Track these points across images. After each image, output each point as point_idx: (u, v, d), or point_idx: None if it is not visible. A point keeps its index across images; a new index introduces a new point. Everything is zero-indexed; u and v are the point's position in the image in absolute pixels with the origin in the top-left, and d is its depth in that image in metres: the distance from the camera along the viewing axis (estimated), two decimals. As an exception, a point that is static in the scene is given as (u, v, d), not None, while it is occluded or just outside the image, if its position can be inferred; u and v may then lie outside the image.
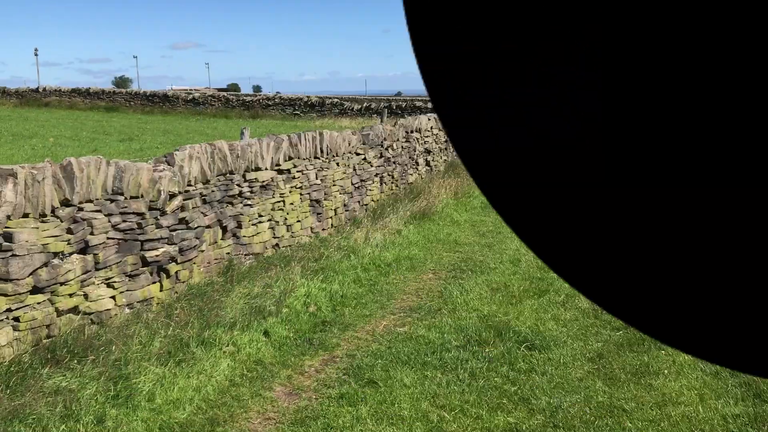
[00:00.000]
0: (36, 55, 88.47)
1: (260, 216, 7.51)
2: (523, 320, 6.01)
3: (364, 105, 39.52)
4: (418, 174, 13.24)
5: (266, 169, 7.58)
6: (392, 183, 11.71)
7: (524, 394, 4.57)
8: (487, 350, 5.29)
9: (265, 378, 4.89)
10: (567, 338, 5.61)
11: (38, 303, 4.62)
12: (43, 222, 4.62)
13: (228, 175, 6.91)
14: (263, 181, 7.52)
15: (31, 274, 4.51)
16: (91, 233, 5.03)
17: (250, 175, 7.29)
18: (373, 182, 10.77)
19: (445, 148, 15.39)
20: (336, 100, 41.82)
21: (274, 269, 7.09)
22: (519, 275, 7.47)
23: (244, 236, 7.23)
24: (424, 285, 7.26)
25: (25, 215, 4.49)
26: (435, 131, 14.46)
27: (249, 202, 7.27)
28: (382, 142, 11.14)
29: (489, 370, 4.95)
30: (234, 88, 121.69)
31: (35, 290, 4.58)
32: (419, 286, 7.24)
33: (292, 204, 8.16)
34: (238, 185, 7.10)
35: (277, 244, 7.90)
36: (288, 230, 8.12)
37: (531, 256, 8.22)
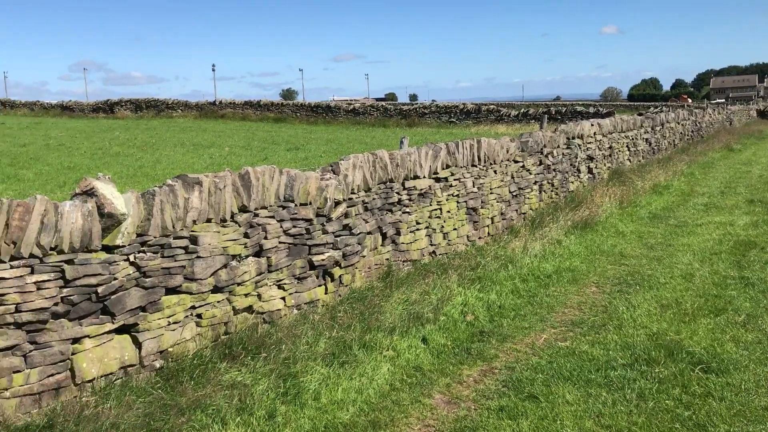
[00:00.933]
0: (213, 70, 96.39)
1: (418, 223, 7.59)
2: (698, 340, 5.57)
3: (521, 111, 38.81)
4: (580, 182, 12.76)
5: (424, 177, 7.66)
6: (552, 191, 11.38)
7: (700, 420, 4.24)
8: (656, 370, 4.96)
9: (424, 385, 4.93)
10: (749, 362, 5.12)
11: (218, 302, 4.99)
12: (223, 226, 4.99)
13: (388, 183, 7.06)
14: (421, 189, 7.60)
15: (212, 274, 4.88)
16: (265, 237, 5.36)
17: (409, 183, 7.40)
18: (532, 190, 10.53)
19: (609, 155, 14.71)
20: (492, 106, 41.47)
21: (431, 276, 7.14)
22: (692, 291, 6.95)
23: (403, 243, 7.35)
24: (586, 299, 6.97)
25: (208, 220, 4.87)
26: (598, 137, 13.87)
27: (407, 210, 7.39)
28: (541, 149, 10.87)
29: (659, 391, 4.64)
30: (391, 97, 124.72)
31: (215, 290, 4.95)
32: (581, 299, 6.96)
33: (448, 212, 8.18)
34: (397, 193, 7.23)
35: (433, 252, 7.95)
36: (444, 238, 8.15)
37: (706, 271, 7.64)
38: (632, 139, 16.72)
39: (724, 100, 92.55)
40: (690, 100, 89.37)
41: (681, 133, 23.13)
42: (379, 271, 6.94)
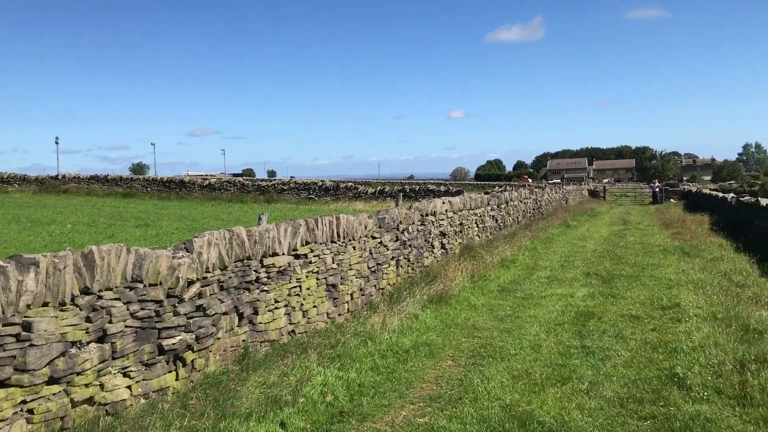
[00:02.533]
0: (57, 143, 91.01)
1: (276, 302, 7.45)
2: (547, 409, 5.81)
3: (378, 188, 39.97)
4: (434, 257, 13.21)
5: (283, 254, 7.59)
6: (408, 266, 11.67)
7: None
8: (511, 442, 5.10)
9: (282, 472, 4.72)
10: (593, 428, 5.41)
11: (53, 394, 4.55)
12: (62, 311, 4.61)
13: (245, 260, 6.92)
14: (280, 267, 7.51)
15: (48, 364, 4.46)
16: (110, 321, 5.00)
17: (267, 261, 7.29)
18: (390, 265, 10.74)
19: (460, 231, 15.41)
20: (350, 183, 42.36)
21: (290, 357, 6.99)
22: (540, 362, 7.29)
23: (261, 323, 7.16)
24: (443, 372, 7.09)
25: (45, 304, 4.48)
26: (450, 214, 14.52)
27: (266, 288, 7.24)
28: (398, 225, 11.18)
29: (514, 463, 4.75)
30: (249, 173, 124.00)
31: (51, 381, 4.52)
32: (438, 373, 7.07)
33: (308, 289, 8.12)
34: (255, 271, 7.09)
35: (293, 331, 7.81)
36: (304, 316, 8.04)
37: (552, 341, 8.07)
38: (480, 216, 17.67)
39: (559, 181, 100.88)
40: (530, 180, 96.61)
41: (524, 210, 24.78)
42: (235, 354, 6.68)
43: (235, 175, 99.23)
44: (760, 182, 72.77)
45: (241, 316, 6.84)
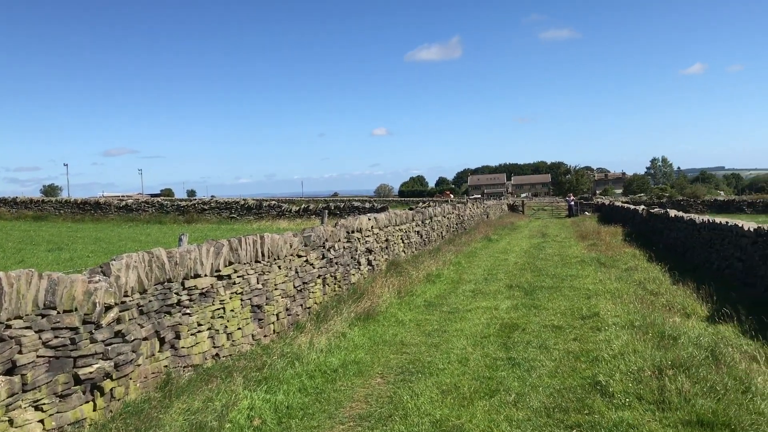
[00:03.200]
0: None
1: (199, 325, 7.23)
2: (476, 423, 5.85)
3: (302, 206, 39.69)
4: (361, 274, 13.17)
5: (206, 275, 7.38)
6: (335, 284, 11.58)
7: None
8: (442, 457, 5.09)
9: (209, 503, 4.54)
10: (522, 440, 5.47)
11: (-43, 433, 4.22)
12: (-34, 343, 4.29)
13: (166, 283, 6.68)
14: (203, 288, 7.30)
15: (-51, 400, 4.14)
16: (20, 352, 4.70)
17: (189, 283, 7.07)
18: (316, 284, 10.63)
19: (386, 247, 15.45)
20: (273, 202, 41.88)
21: (215, 381, 6.77)
22: (468, 375, 7.35)
23: (183, 347, 6.92)
24: (372, 390, 7.04)
25: (-54, 336, 4.16)
26: (375, 231, 14.54)
27: (188, 311, 7.01)
28: (323, 243, 11.10)
29: (446, 479, 4.74)
30: (168, 193, 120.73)
31: (-46, 419, 4.19)
32: (368, 391, 7.01)
33: (232, 311, 7.92)
34: (177, 294, 6.86)
35: (217, 354, 7.58)
36: (229, 338, 7.83)
37: (479, 354, 8.15)
38: (406, 231, 17.79)
39: (480, 196, 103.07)
40: (452, 196, 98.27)
41: (447, 225, 25.14)
42: (157, 380, 6.42)
43: (153, 195, 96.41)
44: (667, 194, 76.62)
45: (162, 341, 6.59)
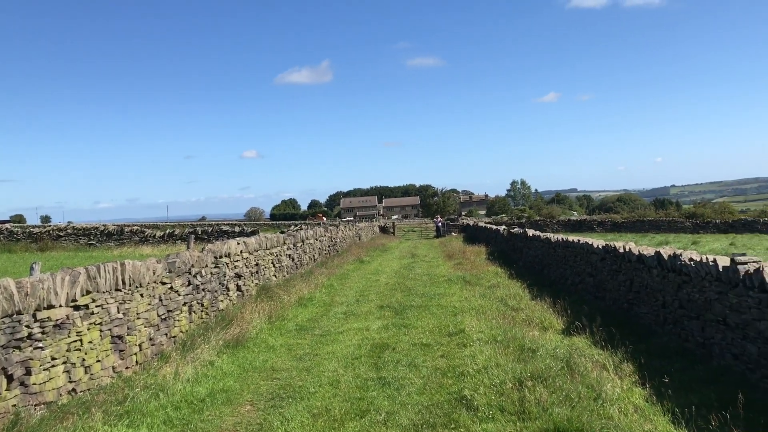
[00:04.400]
0: None
1: (53, 359, 6.76)
2: (348, 444, 5.88)
3: (167, 231, 38.23)
4: (230, 300, 12.86)
5: (61, 306, 6.93)
6: (202, 311, 11.23)
7: None
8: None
9: None
10: (392, 458, 5.56)
11: None
12: None
13: (15, 316, 6.21)
14: (57, 320, 6.84)
15: None
16: None
17: (42, 314, 6.61)
18: (182, 312, 10.26)
19: (256, 272, 15.21)
20: (136, 227, 40.04)
21: (71, 418, 6.35)
22: (339, 397, 7.38)
23: (35, 383, 6.43)
24: (242, 418, 6.88)
25: None
26: (245, 255, 14.29)
27: (40, 345, 6.54)
28: (189, 269, 10.75)
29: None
30: (19, 219, 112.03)
31: None
32: (237, 420, 6.84)
33: (90, 342, 7.47)
34: (27, 326, 6.39)
35: (74, 389, 7.11)
36: (86, 372, 7.37)
37: (350, 376, 8.20)
38: (277, 255, 17.61)
39: (353, 218, 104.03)
40: (325, 219, 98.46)
41: (320, 248, 25.16)
42: (4, 422, 5.92)
43: (1, 221, 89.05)
44: (526, 215, 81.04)
45: (10, 378, 6.10)
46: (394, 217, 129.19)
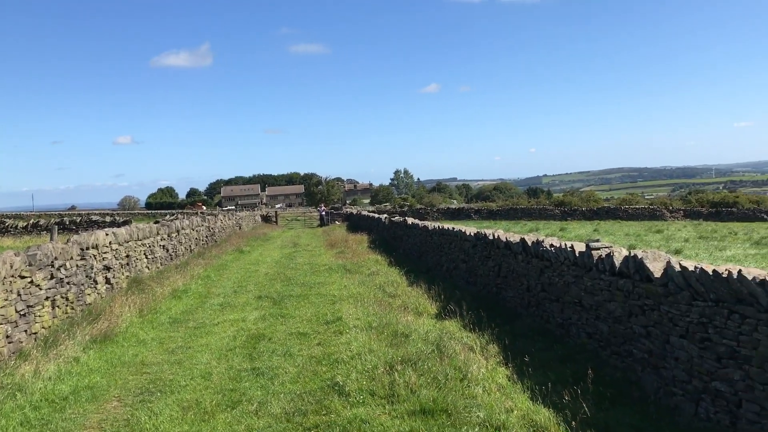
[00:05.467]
0: None
1: None
2: (218, 436, 5.83)
3: (31, 222, 35.84)
4: (98, 293, 12.29)
5: None
6: (67, 306, 10.66)
7: None
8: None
9: None
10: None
11: None
12: None
13: None
14: None
15: None
16: None
17: None
18: (44, 307, 9.69)
19: (127, 264, 14.61)
20: (-5, 217, 37.19)
21: None
22: (211, 389, 7.28)
23: None
24: (107, 415, 6.64)
25: None
26: (114, 246, 13.68)
27: None
28: (52, 261, 10.17)
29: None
30: None
31: None
32: (102, 417, 6.59)
33: (-64, 343, 6.92)
34: None
35: None
36: (-68, 375, 6.83)
37: (223, 368, 8.12)
38: (150, 246, 16.99)
39: (234, 207, 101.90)
40: (204, 207, 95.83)
41: (197, 238, 24.49)
42: None
43: None
44: (408, 204, 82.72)
45: None
46: (278, 205, 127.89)
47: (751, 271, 5.46)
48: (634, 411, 6.19)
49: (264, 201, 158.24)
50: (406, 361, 7.56)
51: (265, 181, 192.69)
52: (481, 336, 9.03)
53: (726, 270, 5.63)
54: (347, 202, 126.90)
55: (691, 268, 6.12)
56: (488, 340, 8.86)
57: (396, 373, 7.06)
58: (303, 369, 7.95)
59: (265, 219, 57.28)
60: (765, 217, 51.40)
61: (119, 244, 14.12)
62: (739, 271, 5.46)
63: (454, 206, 76.91)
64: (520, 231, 31.76)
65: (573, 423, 5.74)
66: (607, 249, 8.34)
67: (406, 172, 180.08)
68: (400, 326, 9.54)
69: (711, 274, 5.76)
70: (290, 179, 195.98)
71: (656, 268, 6.82)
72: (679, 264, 6.38)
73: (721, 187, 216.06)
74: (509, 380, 7.27)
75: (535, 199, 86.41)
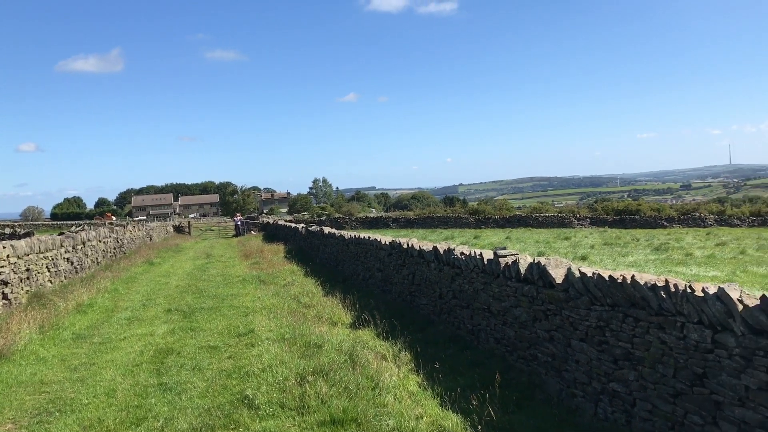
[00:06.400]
0: None
1: None
2: (121, 455, 5.62)
3: None
4: (-7, 310, 11.61)
5: None
6: (-42, 324, 10.03)
7: None
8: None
9: None
10: (169, 465, 5.42)
11: None
12: None
13: None
14: None
15: None
16: None
17: None
18: (-69, 326, 9.08)
19: (27, 278, 13.88)
20: None
21: None
22: (115, 407, 7.01)
23: None
24: (0, 439, 6.29)
25: None
26: (13, 260, 12.98)
27: None
28: (-60, 277, 9.55)
29: None
30: None
31: None
32: (-6, 441, 6.24)
33: None
34: None
35: None
36: None
37: (128, 384, 7.85)
38: (53, 259, 16.22)
39: (145, 218, 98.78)
40: (114, 218, 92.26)
41: (104, 250, 23.57)
42: None
43: None
44: (326, 213, 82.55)
45: None
46: (192, 215, 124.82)
47: (644, 276, 5.77)
48: (538, 413, 6.40)
49: (177, 211, 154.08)
50: (318, 371, 7.53)
51: (178, 190, 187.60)
52: (394, 344, 9.11)
53: (621, 275, 5.93)
54: (264, 211, 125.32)
55: (589, 274, 6.40)
56: (401, 348, 8.95)
57: (307, 385, 7.03)
58: (212, 383, 7.79)
59: (178, 229, 55.79)
60: (665, 224, 54.32)
61: (18, 258, 13.41)
62: (632, 276, 5.75)
63: (372, 215, 77.34)
64: (436, 239, 32.33)
65: (479, 427, 5.88)
66: (513, 256, 8.60)
67: (324, 180, 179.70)
68: (313, 337, 9.50)
69: (607, 279, 6.04)
70: (205, 188, 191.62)
71: (558, 275, 7.09)
72: (579, 270, 6.66)
73: (625, 196, 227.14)
74: (420, 387, 7.36)
75: (451, 208, 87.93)
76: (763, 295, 4.39)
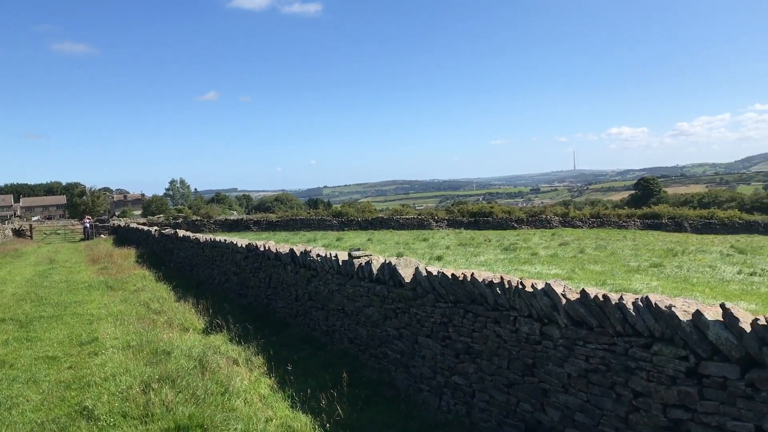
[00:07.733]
0: None
1: None
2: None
3: None
4: None
5: None
6: None
7: None
8: None
9: None
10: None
11: None
12: None
13: None
14: None
15: None
16: None
17: None
18: None
19: None
20: None
21: None
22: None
23: None
24: None
25: None
26: None
27: None
28: None
29: None
30: None
31: None
32: None
33: None
34: None
35: None
36: None
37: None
38: None
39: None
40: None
41: (-73, 256, 21.29)
42: None
43: None
44: (183, 215, 79.67)
45: None
46: (35, 218, 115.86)
47: (482, 274, 6.10)
48: (386, 409, 6.58)
49: (18, 213, 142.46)
50: (164, 378, 7.26)
51: (19, 191, 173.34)
52: (247, 348, 8.99)
53: (462, 273, 6.23)
54: (116, 214, 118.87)
55: (435, 273, 6.68)
56: (254, 351, 8.84)
57: (152, 392, 6.76)
58: (49, 395, 7.29)
59: (18, 233, 51.59)
60: (515, 225, 57.52)
61: None
62: (472, 274, 6.07)
63: (233, 217, 75.56)
64: (299, 241, 32.19)
65: (328, 425, 5.95)
66: (366, 257, 8.78)
67: (182, 182, 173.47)
68: (162, 344, 9.15)
69: (450, 277, 6.34)
70: (50, 189, 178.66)
71: (407, 274, 7.34)
72: (426, 269, 6.93)
73: (481, 199, 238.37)
74: (272, 390, 7.32)
75: (314, 210, 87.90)
76: (583, 290, 4.80)
